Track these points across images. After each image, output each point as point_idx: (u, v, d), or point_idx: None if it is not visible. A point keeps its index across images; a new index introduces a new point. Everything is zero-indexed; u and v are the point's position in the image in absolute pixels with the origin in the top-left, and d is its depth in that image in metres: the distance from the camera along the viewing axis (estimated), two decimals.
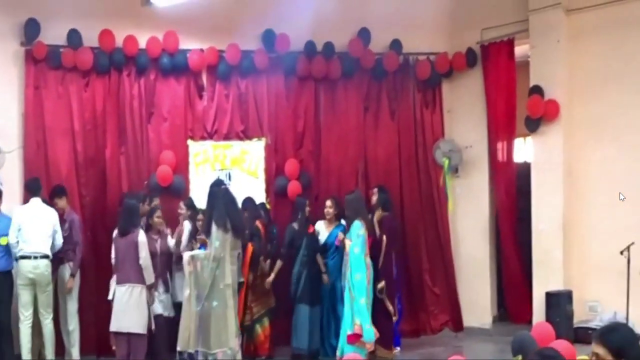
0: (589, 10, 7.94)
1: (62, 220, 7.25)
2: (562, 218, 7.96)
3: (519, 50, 8.54)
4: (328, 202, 7.73)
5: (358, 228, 7.01)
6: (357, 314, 6.82)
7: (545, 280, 7.93)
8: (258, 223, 7.59)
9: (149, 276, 6.59)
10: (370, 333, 6.82)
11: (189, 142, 8.23)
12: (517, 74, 8.50)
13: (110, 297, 6.76)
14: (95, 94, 7.96)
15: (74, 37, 7.79)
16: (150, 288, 6.63)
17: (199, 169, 8.24)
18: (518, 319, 8.44)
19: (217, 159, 8.29)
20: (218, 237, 6.51)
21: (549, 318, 7.48)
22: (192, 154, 8.23)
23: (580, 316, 7.83)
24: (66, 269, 7.22)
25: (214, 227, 6.53)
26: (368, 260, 7.07)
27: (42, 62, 7.76)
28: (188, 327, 6.49)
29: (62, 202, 7.31)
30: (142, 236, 6.60)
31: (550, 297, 7.67)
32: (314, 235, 7.69)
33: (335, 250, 7.60)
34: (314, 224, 7.79)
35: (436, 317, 8.59)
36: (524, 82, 8.28)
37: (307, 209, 7.79)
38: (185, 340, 6.48)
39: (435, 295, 8.64)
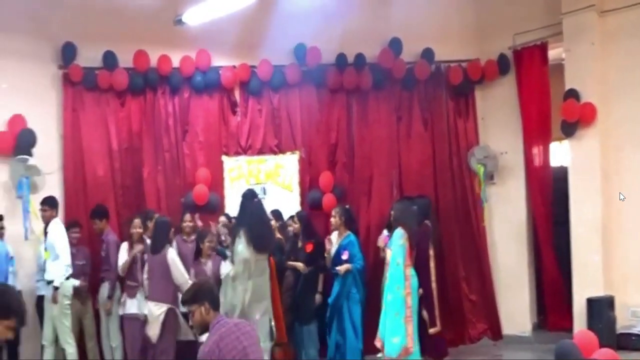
0: (623, 11, 7.79)
1: (100, 241, 7.40)
2: (601, 222, 7.82)
3: (553, 53, 8.45)
4: (332, 212, 7.58)
5: (399, 237, 6.85)
6: (382, 327, 6.79)
7: (585, 286, 7.80)
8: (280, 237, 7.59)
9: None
10: (393, 347, 6.71)
11: (224, 158, 8.34)
12: (551, 78, 8.40)
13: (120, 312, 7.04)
14: (131, 113, 8.13)
15: (109, 58, 7.97)
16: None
17: (234, 185, 8.32)
18: (558, 327, 8.30)
19: (251, 174, 8.38)
20: (242, 251, 6.51)
21: (590, 325, 7.39)
22: (227, 170, 8.33)
23: (623, 322, 7.67)
24: (106, 288, 7.31)
25: (242, 241, 6.52)
26: (408, 271, 6.93)
27: (79, 84, 7.96)
28: None
29: (101, 223, 7.43)
30: (172, 253, 6.64)
31: (591, 303, 7.56)
32: (313, 252, 7.49)
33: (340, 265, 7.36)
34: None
35: (474, 326, 8.53)
36: (559, 86, 8.16)
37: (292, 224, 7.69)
38: None
39: (473, 303, 8.59)
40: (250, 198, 6.93)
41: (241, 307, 6.50)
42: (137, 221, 7.20)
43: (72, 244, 7.16)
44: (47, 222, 7.02)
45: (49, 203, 7.08)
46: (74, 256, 7.14)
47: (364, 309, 7.43)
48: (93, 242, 7.71)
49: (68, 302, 6.97)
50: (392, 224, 7.14)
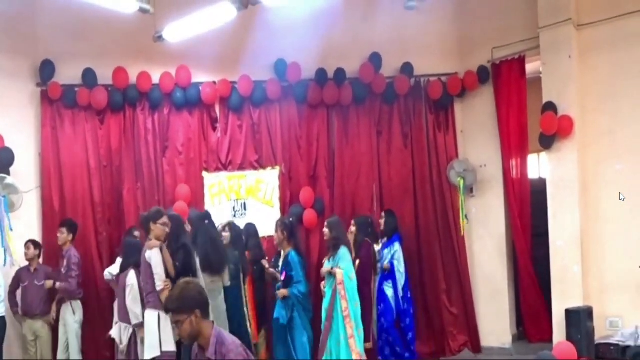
0: (599, 25, 7.84)
1: (62, 256, 7.36)
2: (580, 234, 7.86)
3: (531, 66, 8.49)
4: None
5: (347, 254, 7.05)
6: (359, 344, 6.89)
7: (564, 297, 7.82)
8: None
9: (133, 317, 6.40)
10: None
11: (204, 173, 8.34)
12: (529, 91, 8.44)
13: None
14: (110, 131, 8.13)
15: (88, 76, 7.95)
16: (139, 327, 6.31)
17: (215, 200, 8.33)
18: (537, 338, 8.38)
19: (232, 189, 8.38)
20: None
21: (569, 336, 7.44)
22: (207, 186, 8.33)
23: (601, 332, 7.72)
24: (68, 309, 7.28)
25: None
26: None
27: (57, 101, 7.97)
28: None
29: (66, 236, 7.34)
30: (130, 277, 6.48)
31: (570, 314, 7.58)
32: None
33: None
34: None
35: (455, 338, 8.56)
36: (537, 99, 8.22)
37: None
38: None
39: (454, 316, 8.62)
40: (202, 221, 6.94)
41: None
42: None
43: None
44: None
45: None
46: (30, 275, 7.24)
47: (311, 334, 7.18)
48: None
49: None
50: (334, 237, 7.11)
